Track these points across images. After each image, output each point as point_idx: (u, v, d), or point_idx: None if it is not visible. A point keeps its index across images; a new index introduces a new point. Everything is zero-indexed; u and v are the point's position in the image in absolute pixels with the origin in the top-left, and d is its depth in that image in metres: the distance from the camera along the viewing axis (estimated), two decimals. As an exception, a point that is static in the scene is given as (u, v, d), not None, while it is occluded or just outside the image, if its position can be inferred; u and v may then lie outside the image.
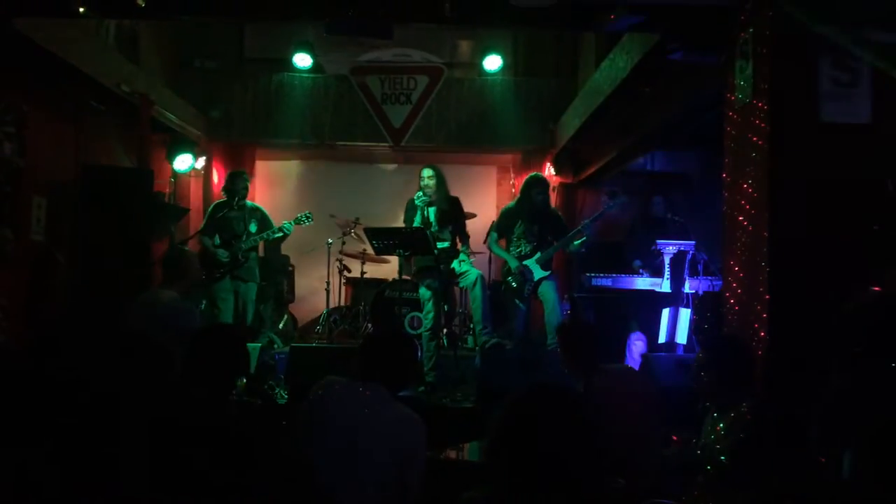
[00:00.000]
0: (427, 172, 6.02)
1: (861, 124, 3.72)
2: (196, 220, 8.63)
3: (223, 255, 6.34)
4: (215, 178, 8.83)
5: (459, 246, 6.17)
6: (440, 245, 5.98)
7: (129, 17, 6.89)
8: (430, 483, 2.95)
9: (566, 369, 3.79)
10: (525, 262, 6.02)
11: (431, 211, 6.04)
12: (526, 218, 6.10)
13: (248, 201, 6.67)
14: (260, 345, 6.11)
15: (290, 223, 6.55)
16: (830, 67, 3.72)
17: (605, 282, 6.23)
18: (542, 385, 1.87)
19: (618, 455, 3.14)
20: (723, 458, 2.92)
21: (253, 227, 6.48)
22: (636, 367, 5.89)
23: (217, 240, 6.45)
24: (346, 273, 7.95)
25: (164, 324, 4.20)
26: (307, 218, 6.69)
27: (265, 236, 6.52)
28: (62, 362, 2.59)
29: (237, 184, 6.53)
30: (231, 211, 6.46)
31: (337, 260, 7.87)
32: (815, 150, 3.71)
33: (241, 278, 6.44)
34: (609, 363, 3.94)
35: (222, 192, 6.74)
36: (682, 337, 5.77)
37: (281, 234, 6.57)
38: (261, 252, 7.78)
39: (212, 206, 6.80)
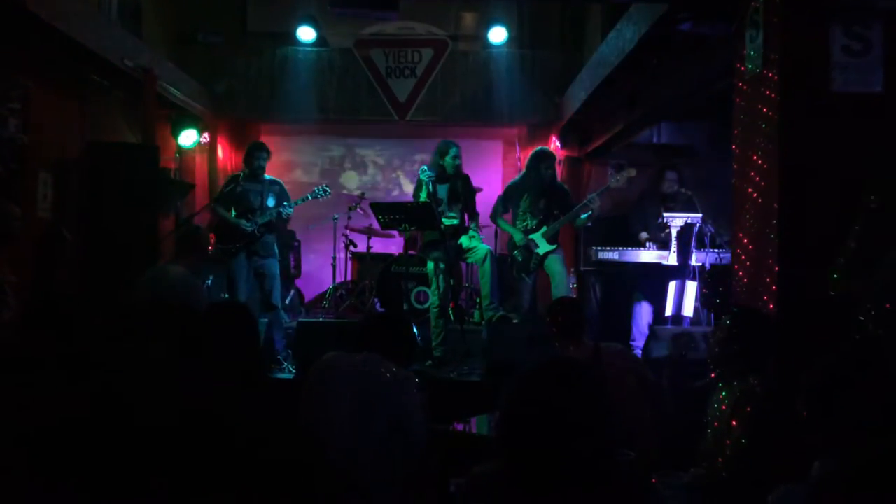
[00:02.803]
0: (454, 150, 5.97)
1: (873, 93, 3.67)
2: (201, 196, 8.63)
3: (246, 224, 6.14)
4: (220, 153, 8.81)
5: (468, 223, 6.15)
6: (448, 221, 5.96)
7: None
8: (439, 456, 3.00)
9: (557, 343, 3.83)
10: (531, 237, 6.01)
11: (442, 187, 6.01)
12: (532, 192, 6.08)
13: (267, 175, 6.45)
14: (266, 320, 6.12)
15: (300, 200, 6.44)
16: (842, 36, 3.66)
17: (612, 255, 6.22)
18: (554, 359, 1.88)
19: (623, 428, 3.17)
20: (728, 429, 2.94)
21: (271, 201, 6.26)
22: (643, 340, 5.92)
23: (233, 213, 6.25)
24: (352, 248, 7.95)
25: (172, 300, 4.19)
26: (324, 192, 6.56)
27: (279, 210, 6.28)
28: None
29: (254, 155, 6.32)
30: (248, 183, 6.28)
31: (343, 235, 7.86)
32: (826, 121, 3.67)
33: (257, 254, 6.21)
34: (608, 340, 4.00)
35: (243, 164, 6.55)
36: (688, 310, 5.77)
37: (291, 210, 6.37)
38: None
39: (228, 178, 6.70)
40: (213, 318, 2.93)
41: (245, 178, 6.32)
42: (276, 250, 6.44)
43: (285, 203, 6.29)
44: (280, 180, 6.58)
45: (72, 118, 6.36)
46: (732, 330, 3.10)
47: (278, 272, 6.39)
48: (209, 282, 6.86)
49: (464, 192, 6.06)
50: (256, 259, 6.22)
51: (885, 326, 2.51)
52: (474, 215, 6.16)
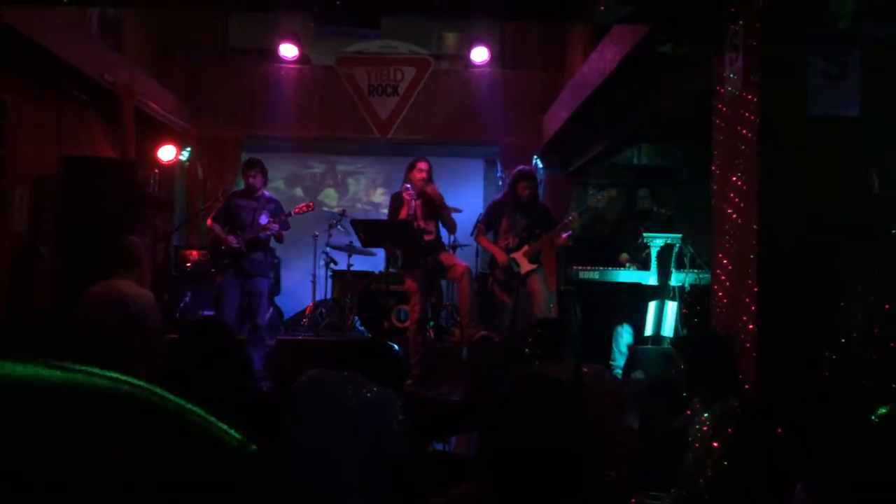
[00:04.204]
0: (420, 165, 5.97)
1: (850, 117, 3.72)
2: (180, 212, 8.56)
3: (234, 240, 6.07)
4: (199, 169, 8.74)
5: (446, 238, 6.13)
6: (425, 237, 5.95)
7: (113, 6, 6.83)
8: (420, 476, 2.97)
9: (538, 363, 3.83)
10: (512, 256, 6.01)
11: (417, 204, 6.00)
12: (513, 211, 6.08)
13: (266, 192, 6.39)
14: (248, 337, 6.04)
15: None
16: (820, 60, 3.71)
17: (592, 275, 6.22)
18: (534, 378, 1.86)
19: (603, 448, 3.16)
20: (709, 450, 2.93)
21: (264, 219, 6.16)
22: (623, 360, 5.92)
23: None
24: (332, 266, 7.91)
25: (138, 317, 4.12)
26: (307, 207, 6.49)
27: (268, 228, 6.17)
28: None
29: (248, 172, 6.27)
30: (242, 200, 6.22)
31: (323, 252, 7.82)
32: (804, 143, 3.71)
33: (245, 271, 6.12)
34: (589, 360, 4.01)
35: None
36: (668, 330, 5.78)
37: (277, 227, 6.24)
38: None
39: (230, 194, 6.65)
40: (190, 334, 2.88)
41: (241, 194, 6.27)
42: (268, 269, 6.34)
43: (271, 219, 6.21)
44: (276, 199, 6.50)
45: (49, 132, 6.29)
46: (684, 360, 3.17)
47: (266, 291, 6.30)
48: (187, 298, 6.78)
49: (439, 207, 6.03)
50: (245, 276, 6.14)
51: (874, 351, 2.52)
52: (452, 227, 6.13)
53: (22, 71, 5.75)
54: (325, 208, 8.05)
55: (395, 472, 2.89)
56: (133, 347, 2.23)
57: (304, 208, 6.46)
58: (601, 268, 6.22)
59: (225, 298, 6.08)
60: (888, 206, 3.55)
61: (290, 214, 6.34)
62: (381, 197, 9.55)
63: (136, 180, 6.66)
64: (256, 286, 6.18)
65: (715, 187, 4.19)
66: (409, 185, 5.99)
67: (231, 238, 6.09)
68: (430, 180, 5.99)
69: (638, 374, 3.60)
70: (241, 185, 6.50)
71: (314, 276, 7.77)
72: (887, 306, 2.56)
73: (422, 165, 5.98)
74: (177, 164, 8.20)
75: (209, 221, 6.35)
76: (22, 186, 5.87)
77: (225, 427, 0.73)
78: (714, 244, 4.20)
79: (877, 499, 1.80)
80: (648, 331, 5.88)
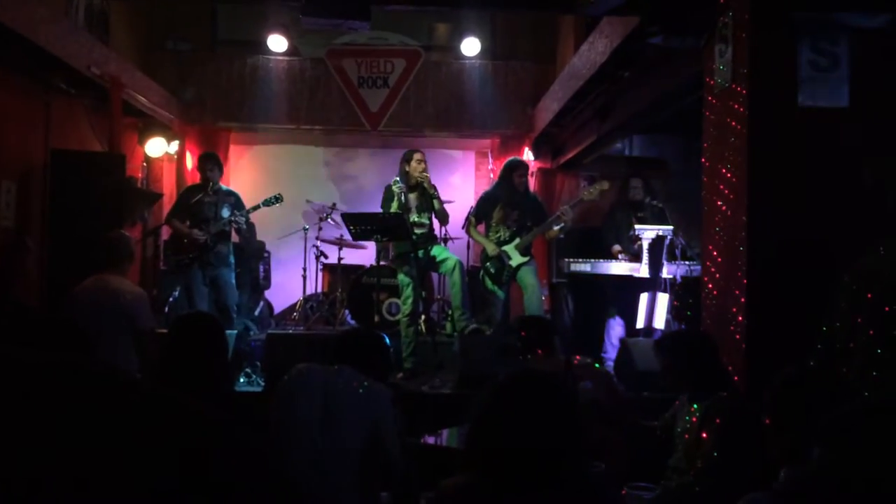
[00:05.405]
0: (418, 156, 5.96)
1: (839, 109, 3.71)
2: (169, 205, 8.51)
3: (199, 234, 6.10)
4: (188, 162, 8.69)
5: (438, 230, 6.11)
6: (419, 230, 5.94)
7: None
8: (413, 471, 2.96)
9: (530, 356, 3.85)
10: (504, 248, 6.00)
11: (411, 195, 5.99)
12: (505, 203, 6.07)
13: (223, 185, 6.44)
14: (236, 332, 6.03)
15: (252, 208, 6.31)
16: (810, 52, 3.71)
17: (584, 267, 6.22)
18: (525, 372, 1.86)
19: (593, 441, 3.17)
20: (698, 441, 2.93)
21: (225, 212, 6.20)
22: (615, 353, 5.92)
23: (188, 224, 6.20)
24: (322, 259, 7.88)
25: (128, 313, 4.09)
26: (276, 199, 6.52)
27: (232, 220, 6.21)
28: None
29: (205, 166, 6.30)
30: (203, 195, 6.23)
31: (314, 246, 7.79)
32: (793, 135, 3.71)
33: (210, 264, 6.15)
34: (580, 353, 4.03)
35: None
36: (659, 322, 5.78)
37: (244, 220, 6.27)
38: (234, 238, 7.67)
39: (184, 189, 6.64)
40: (180, 330, 2.87)
41: (199, 189, 6.27)
42: (232, 260, 6.37)
43: (237, 212, 6.23)
44: (235, 191, 6.53)
45: (36, 125, 6.23)
46: (664, 359, 3.17)
47: (233, 281, 6.33)
48: (176, 293, 6.75)
49: (432, 198, 6.01)
50: (210, 269, 6.17)
51: (855, 340, 2.53)
52: (444, 218, 6.11)
53: (8, 64, 5.69)
54: (315, 201, 8.00)
55: (387, 467, 2.88)
56: (89, 340, 2.22)
57: (274, 200, 6.46)
58: (593, 260, 6.23)
59: (196, 293, 6.13)
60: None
61: (258, 206, 6.33)
62: (371, 190, 9.51)
63: (125, 174, 6.60)
64: (223, 277, 6.22)
65: (705, 179, 4.19)
66: (398, 178, 5.98)
67: (195, 232, 6.09)
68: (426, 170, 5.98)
69: (587, 385, 3.60)
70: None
71: (304, 270, 7.74)
72: (869, 295, 2.57)
73: (419, 156, 5.97)
74: (166, 157, 8.14)
75: (166, 220, 6.35)
76: (9, 180, 5.82)
77: None
78: (704, 236, 4.21)
79: (863, 487, 1.80)
80: (640, 323, 5.89)
